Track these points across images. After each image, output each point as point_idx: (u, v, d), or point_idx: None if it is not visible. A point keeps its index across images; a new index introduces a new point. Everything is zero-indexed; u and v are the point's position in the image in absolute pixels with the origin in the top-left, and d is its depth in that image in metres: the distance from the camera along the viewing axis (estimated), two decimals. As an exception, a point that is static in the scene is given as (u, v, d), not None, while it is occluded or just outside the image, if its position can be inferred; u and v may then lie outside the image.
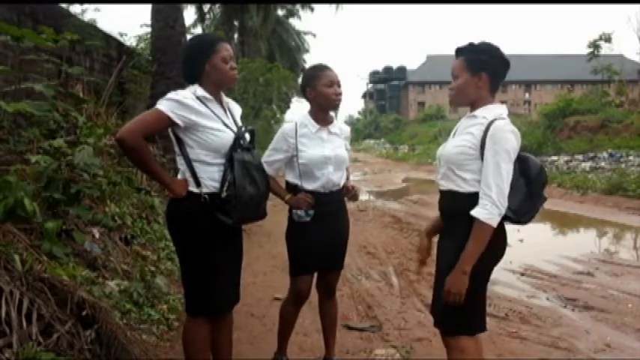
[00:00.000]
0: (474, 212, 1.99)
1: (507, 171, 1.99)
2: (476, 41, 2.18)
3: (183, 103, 2.17)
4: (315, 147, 2.73)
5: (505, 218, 2.06)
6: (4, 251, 2.36)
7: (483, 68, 2.11)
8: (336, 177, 2.78)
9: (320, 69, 2.80)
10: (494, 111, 2.09)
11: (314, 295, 3.05)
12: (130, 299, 3.35)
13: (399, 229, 7.93)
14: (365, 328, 3.72)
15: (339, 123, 2.92)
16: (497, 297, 4.54)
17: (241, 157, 2.23)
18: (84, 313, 2.31)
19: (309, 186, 2.74)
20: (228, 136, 2.25)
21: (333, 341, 3.03)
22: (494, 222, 1.98)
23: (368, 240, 7.01)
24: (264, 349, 3.23)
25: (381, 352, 3.29)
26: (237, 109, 2.49)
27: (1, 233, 2.72)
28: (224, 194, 2.19)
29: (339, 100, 2.77)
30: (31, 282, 2.24)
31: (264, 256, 5.76)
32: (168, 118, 2.16)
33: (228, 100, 2.44)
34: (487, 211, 1.98)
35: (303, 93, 2.84)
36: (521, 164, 2.10)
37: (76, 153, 3.45)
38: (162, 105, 2.17)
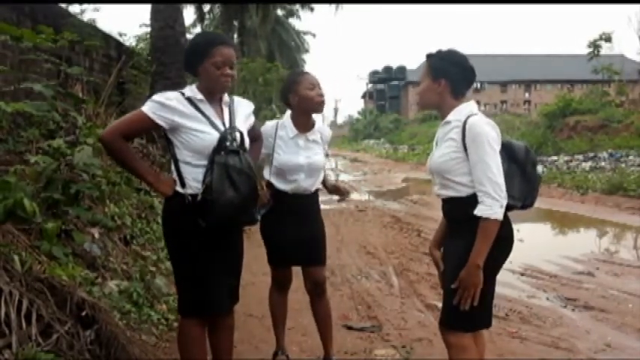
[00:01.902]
0: (477, 212, 2.01)
1: (494, 162, 2.02)
2: (444, 48, 2.24)
3: (165, 104, 2.16)
4: (290, 153, 2.79)
5: (510, 207, 2.08)
6: (3, 252, 2.36)
7: (443, 75, 2.16)
8: (307, 183, 2.84)
9: (299, 74, 2.90)
10: (464, 111, 2.13)
11: (313, 295, 3.05)
12: (129, 299, 3.35)
13: (398, 229, 7.92)
14: (365, 328, 3.72)
15: (322, 128, 2.95)
16: (497, 297, 4.48)
17: (223, 160, 2.17)
18: (83, 313, 2.30)
19: (281, 186, 2.83)
20: (212, 138, 2.20)
21: (330, 341, 3.02)
22: (497, 215, 1.99)
23: (368, 240, 7.01)
24: (263, 350, 3.23)
25: (381, 353, 3.29)
26: (243, 108, 2.42)
27: (0, 234, 2.72)
28: (199, 197, 2.16)
29: (323, 103, 2.83)
30: (30, 282, 2.24)
31: (263, 255, 5.71)
32: (150, 119, 2.16)
33: (232, 99, 2.38)
34: (487, 207, 1.99)
35: (285, 100, 2.88)
36: (507, 150, 2.14)
37: (75, 153, 3.45)
38: (146, 106, 2.18)
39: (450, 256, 2.20)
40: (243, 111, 2.41)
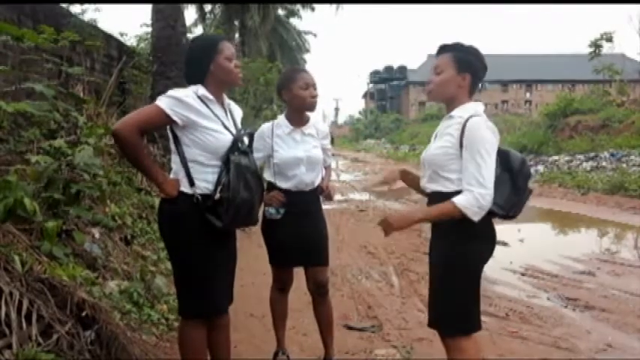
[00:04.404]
0: (455, 198, 2.00)
1: (487, 165, 2.00)
2: (464, 42, 2.19)
3: (183, 101, 2.15)
4: (288, 148, 2.82)
5: (493, 213, 2.07)
6: (4, 252, 2.36)
7: (469, 69, 2.14)
8: (308, 178, 2.85)
9: (296, 71, 2.92)
10: (470, 109, 2.12)
11: (314, 295, 3.05)
12: (129, 300, 3.35)
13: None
14: (365, 328, 3.72)
15: (318, 123, 2.97)
16: (497, 297, 4.53)
17: (238, 161, 2.20)
18: (84, 313, 2.30)
19: (283, 185, 2.84)
20: (226, 138, 2.22)
21: (330, 341, 3.03)
22: (470, 213, 1.97)
23: (368, 240, 7.00)
24: (263, 349, 3.23)
25: (382, 352, 3.29)
26: (238, 112, 2.46)
27: (1, 233, 2.72)
28: (217, 196, 2.15)
29: (315, 103, 2.85)
30: (30, 283, 2.24)
31: (264, 255, 5.72)
32: (167, 116, 2.13)
33: (229, 102, 2.41)
34: (466, 200, 1.98)
35: (279, 95, 2.92)
36: (503, 158, 2.12)
37: (76, 153, 3.46)
38: (162, 102, 2.14)
39: (436, 256, 2.19)
40: (238, 113, 2.45)
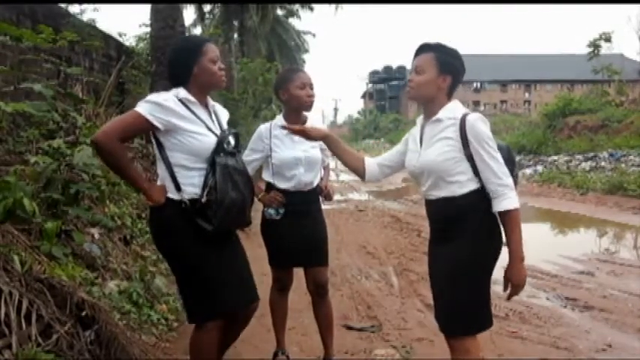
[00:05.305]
0: (502, 207, 2.02)
1: (500, 157, 2.05)
2: (445, 43, 2.17)
3: (163, 105, 2.11)
4: (286, 148, 2.83)
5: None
6: (3, 252, 2.36)
7: (450, 71, 2.12)
8: (307, 178, 2.86)
9: (293, 71, 2.94)
10: (457, 109, 2.11)
11: (314, 295, 3.05)
12: (129, 300, 3.34)
13: (398, 229, 7.92)
14: (365, 328, 3.72)
15: (315, 123, 2.94)
16: (497, 297, 4.52)
17: (224, 162, 2.16)
18: (83, 313, 2.30)
19: (282, 185, 2.85)
20: (210, 141, 2.18)
21: (330, 341, 3.03)
22: (518, 204, 2.03)
23: (368, 240, 7.01)
24: (263, 349, 3.23)
25: (381, 353, 3.29)
26: (223, 114, 2.42)
27: (0, 233, 2.72)
28: (204, 199, 2.12)
29: (311, 102, 2.86)
30: (30, 283, 2.23)
31: (263, 255, 5.71)
32: (147, 121, 2.08)
33: (214, 104, 2.38)
34: (511, 199, 2.01)
35: (276, 95, 2.93)
36: None
37: (75, 153, 3.45)
38: (141, 107, 2.10)
39: (442, 260, 2.14)
40: (224, 115, 2.41)
